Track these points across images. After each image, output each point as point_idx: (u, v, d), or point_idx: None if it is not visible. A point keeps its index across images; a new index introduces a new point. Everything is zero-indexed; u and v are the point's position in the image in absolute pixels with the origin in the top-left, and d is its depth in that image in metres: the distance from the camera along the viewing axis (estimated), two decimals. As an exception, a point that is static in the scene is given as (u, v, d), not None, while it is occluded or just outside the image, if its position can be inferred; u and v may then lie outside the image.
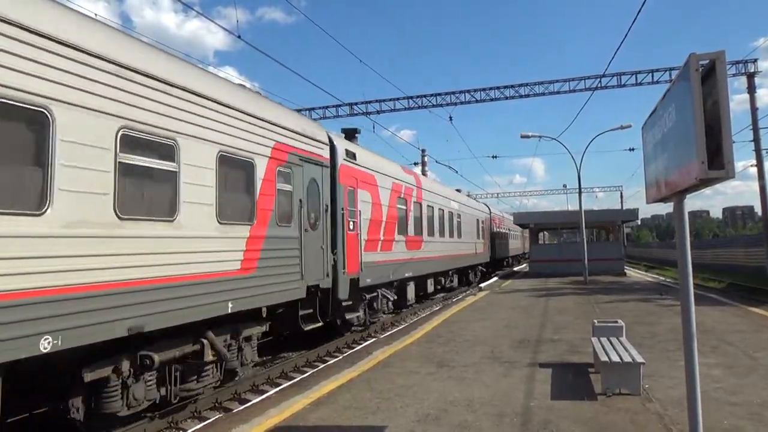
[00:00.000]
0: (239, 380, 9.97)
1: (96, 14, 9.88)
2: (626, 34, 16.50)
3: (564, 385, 7.94)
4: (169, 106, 7.64)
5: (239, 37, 16.75)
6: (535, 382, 8.09)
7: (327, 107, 33.34)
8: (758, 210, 29.47)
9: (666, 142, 4.92)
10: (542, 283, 27.24)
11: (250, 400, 9.12)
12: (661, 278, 30.99)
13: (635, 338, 10.02)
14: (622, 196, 77.39)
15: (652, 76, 29.15)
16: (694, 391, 4.61)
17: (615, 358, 7.33)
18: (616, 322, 9.28)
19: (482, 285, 27.61)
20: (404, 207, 18.88)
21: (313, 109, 33.19)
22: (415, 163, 40.61)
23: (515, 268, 48.22)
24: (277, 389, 9.64)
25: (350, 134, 16.04)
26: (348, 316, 13.97)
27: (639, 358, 7.33)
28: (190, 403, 8.70)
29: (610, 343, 8.28)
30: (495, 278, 33.48)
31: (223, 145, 8.73)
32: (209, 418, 8.43)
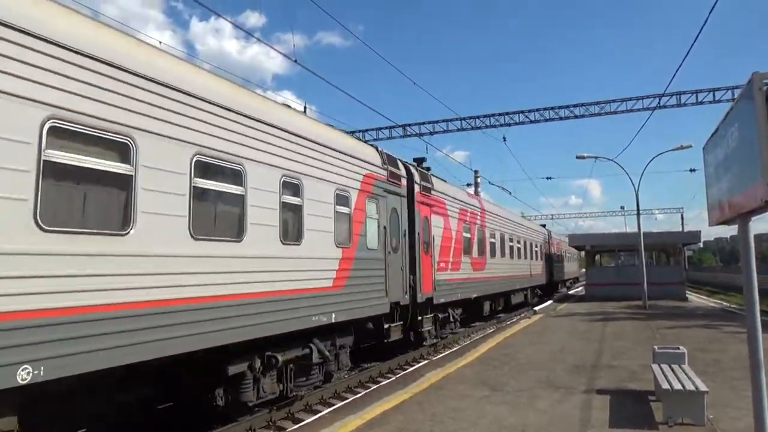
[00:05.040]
0: (336, 381, 11.53)
1: (161, 42, 10.42)
2: (687, 53, 16.13)
3: (623, 412, 7.71)
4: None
5: (296, 61, 17.24)
6: (593, 409, 7.88)
7: (380, 129, 33.73)
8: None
9: (729, 163, 4.80)
10: (599, 306, 26.50)
11: (303, 420, 9.20)
12: (725, 304, 29.69)
13: (698, 366, 9.64)
14: (683, 218, 75.06)
15: (714, 95, 28.37)
16: (762, 422, 4.42)
17: (677, 386, 7.08)
18: (678, 348, 8.97)
19: (537, 308, 27.09)
20: (470, 230, 20.02)
21: (367, 130, 33.60)
22: (468, 184, 40.34)
23: (570, 291, 47.14)
24: (330, 409, 9.70)
25: (419, 161, 17.07)
26: (421, 330, 14.97)
27: (702, 387, 7.06)
28: (297, 400, 9.90)
29: (672, 370, 8.00)
30: (550, 302, 32.78)
31: (338, 184, 10.68)
32: (263, 437, 8.55)
